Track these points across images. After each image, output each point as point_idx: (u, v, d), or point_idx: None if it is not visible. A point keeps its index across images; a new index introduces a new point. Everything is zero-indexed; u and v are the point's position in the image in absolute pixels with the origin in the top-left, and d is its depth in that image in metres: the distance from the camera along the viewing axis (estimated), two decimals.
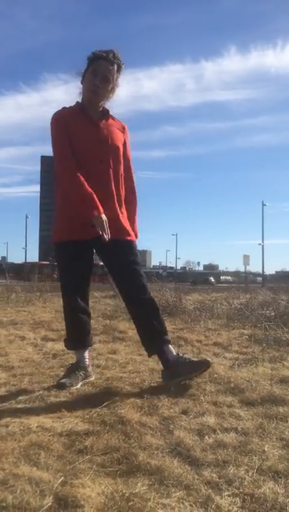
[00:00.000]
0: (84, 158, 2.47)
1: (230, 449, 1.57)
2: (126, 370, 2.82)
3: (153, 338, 2.49)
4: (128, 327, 4.69)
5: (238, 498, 1.25)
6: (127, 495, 1.23)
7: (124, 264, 2.51)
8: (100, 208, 2.40)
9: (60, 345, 3.68)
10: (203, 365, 2.43)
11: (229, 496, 1.26)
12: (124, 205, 2.62)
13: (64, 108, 2.61)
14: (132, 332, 4.40)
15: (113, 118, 2.67)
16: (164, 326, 2.51)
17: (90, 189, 2.40)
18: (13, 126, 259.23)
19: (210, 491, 1.28)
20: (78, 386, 2.41)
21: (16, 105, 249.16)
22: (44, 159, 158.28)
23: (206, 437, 1.68)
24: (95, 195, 2.40)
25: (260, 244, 48.54)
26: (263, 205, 48.93)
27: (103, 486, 1.28)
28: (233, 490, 1.29)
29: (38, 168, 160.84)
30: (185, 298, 7.49)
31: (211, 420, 1.85)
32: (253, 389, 2.29)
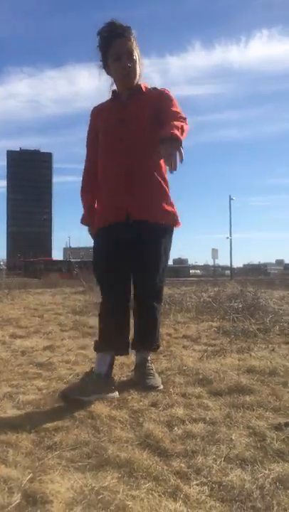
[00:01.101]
0: (105, 138, 2.36)
1: (199, 439, 1.60)
2: None
3: (140, 342, 2.43)
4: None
5: (206, 487, 1.27)
6: (96, 488, 1.23)
7: (143, 258, 2.32)
8: (90, 222, 2.46)
9: (28, 342, 3.64)
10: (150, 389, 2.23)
11: (197, 484, 1.28)
12: (155, 184, 2.32)
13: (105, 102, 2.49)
14: None
15: (150, 89, 2.40)
16: (157, 337, 2.45)
17: (88, 201, 2.48)
18: None
19: (178, 480, 1.29)
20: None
21: None
22: (10, 154, 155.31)
23: (175, 428, 1.70)
24: (88, 209, 2.48)
25: (228, 237, 49.11)
26: (230, 199, 49.49)
27: (72, 481, 1.28)
28: (202, 479, 1.31)
29: (3, 163, 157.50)
30: None
31: (179, 411, 1.88)
32: (221, 379, 2.33)
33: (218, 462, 1.41)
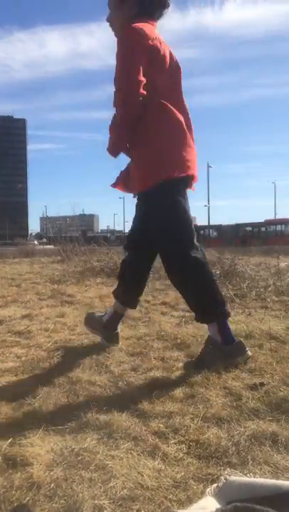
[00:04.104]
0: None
1: (177, 401, 1.63)
2: (74, 333, 2.82)
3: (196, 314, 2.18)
4: (76, 291, 4.67)
5: (183, 445, 1.30)
6: (76, 450, 1.25)
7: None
8: None
9: (6, 311, 3.61)
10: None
11: (175, 443, 1.31)
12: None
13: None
14: (80, 295, 4.40)
15: None
16: (208, 305, 2.15)
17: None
18: None
19: (157, 440, 1.32)
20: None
21: None
22: None
23: (154, 391, 1.73)
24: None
25: (205, 205, 49.33)
26: (208, 166, 49.40)
27: (52, 444, 1.30)
28: (179, 438, 1.34)
29: None
30: None
31: (158, 375, 1.91)
32: (199, 344, 2.36)
33: (195, 421, 1.45)
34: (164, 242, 2.16)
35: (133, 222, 2.37)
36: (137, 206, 2.31)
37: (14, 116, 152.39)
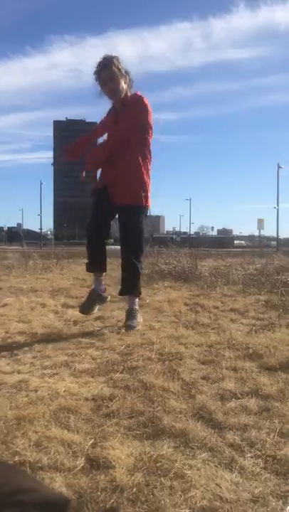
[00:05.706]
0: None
1: (252, 413, 1.63)
2: (145, 337, 2.88)
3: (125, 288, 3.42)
4: (146, 294, 4.75)
5: (260, 460, 1.30)
6: (154, 456, 1.29)
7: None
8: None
9: (79, 313, 3.76)
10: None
11: (252, 457, 1.32)
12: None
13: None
14: (151, 299, 4.47)
15: (132, 99, 3.22)
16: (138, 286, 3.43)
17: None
18: (22, 91, 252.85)
19: (233, 452, 1.34)
20: (95, 311, 3.44)
21: (23, 69, 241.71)
22: (56, 124, 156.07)
23: (228, 402, 1.74)
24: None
25: (275, 207, 47.94)
26: (279, 167, 47.90)
27: (131, 448, 1.35)
28: (256, 452, 1.35)
29: (49, 133, 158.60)
30: (200, 264, 7.50)
31: (231, 385, 1.91)
32: (272, 354, 2.33)
33: (271, 436, 1.44)
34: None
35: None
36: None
37: (86, 120, 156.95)
